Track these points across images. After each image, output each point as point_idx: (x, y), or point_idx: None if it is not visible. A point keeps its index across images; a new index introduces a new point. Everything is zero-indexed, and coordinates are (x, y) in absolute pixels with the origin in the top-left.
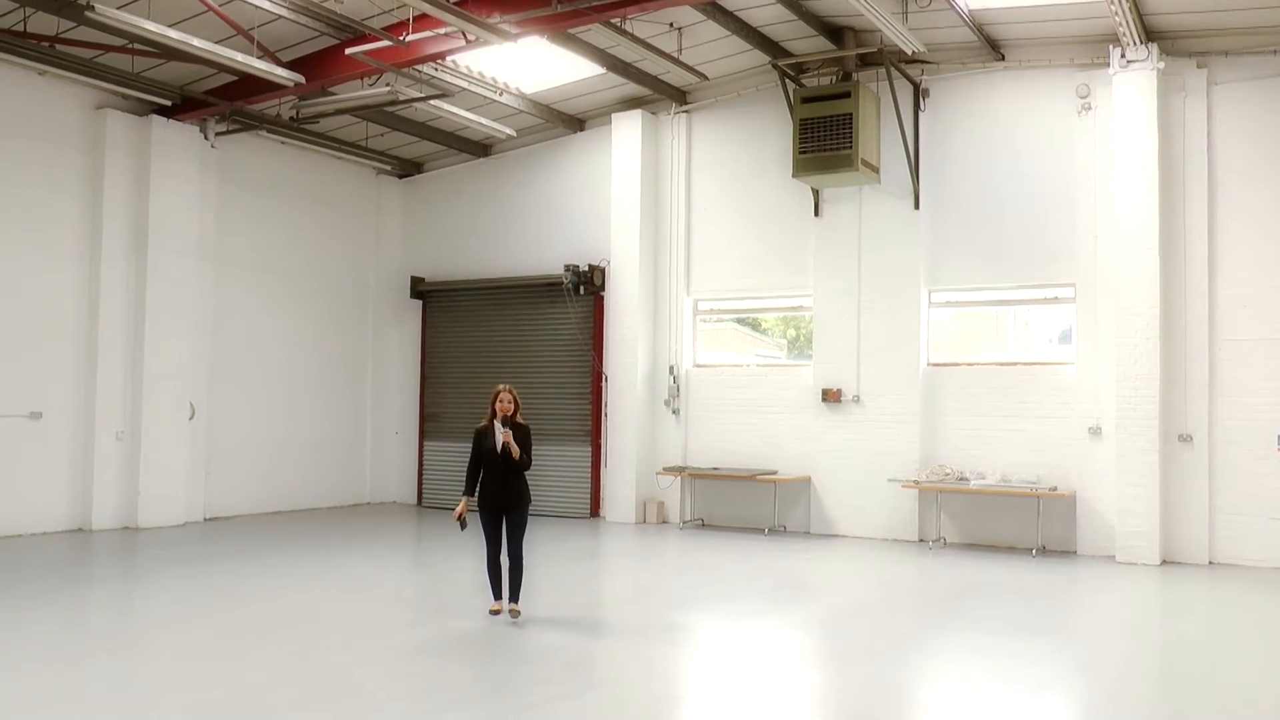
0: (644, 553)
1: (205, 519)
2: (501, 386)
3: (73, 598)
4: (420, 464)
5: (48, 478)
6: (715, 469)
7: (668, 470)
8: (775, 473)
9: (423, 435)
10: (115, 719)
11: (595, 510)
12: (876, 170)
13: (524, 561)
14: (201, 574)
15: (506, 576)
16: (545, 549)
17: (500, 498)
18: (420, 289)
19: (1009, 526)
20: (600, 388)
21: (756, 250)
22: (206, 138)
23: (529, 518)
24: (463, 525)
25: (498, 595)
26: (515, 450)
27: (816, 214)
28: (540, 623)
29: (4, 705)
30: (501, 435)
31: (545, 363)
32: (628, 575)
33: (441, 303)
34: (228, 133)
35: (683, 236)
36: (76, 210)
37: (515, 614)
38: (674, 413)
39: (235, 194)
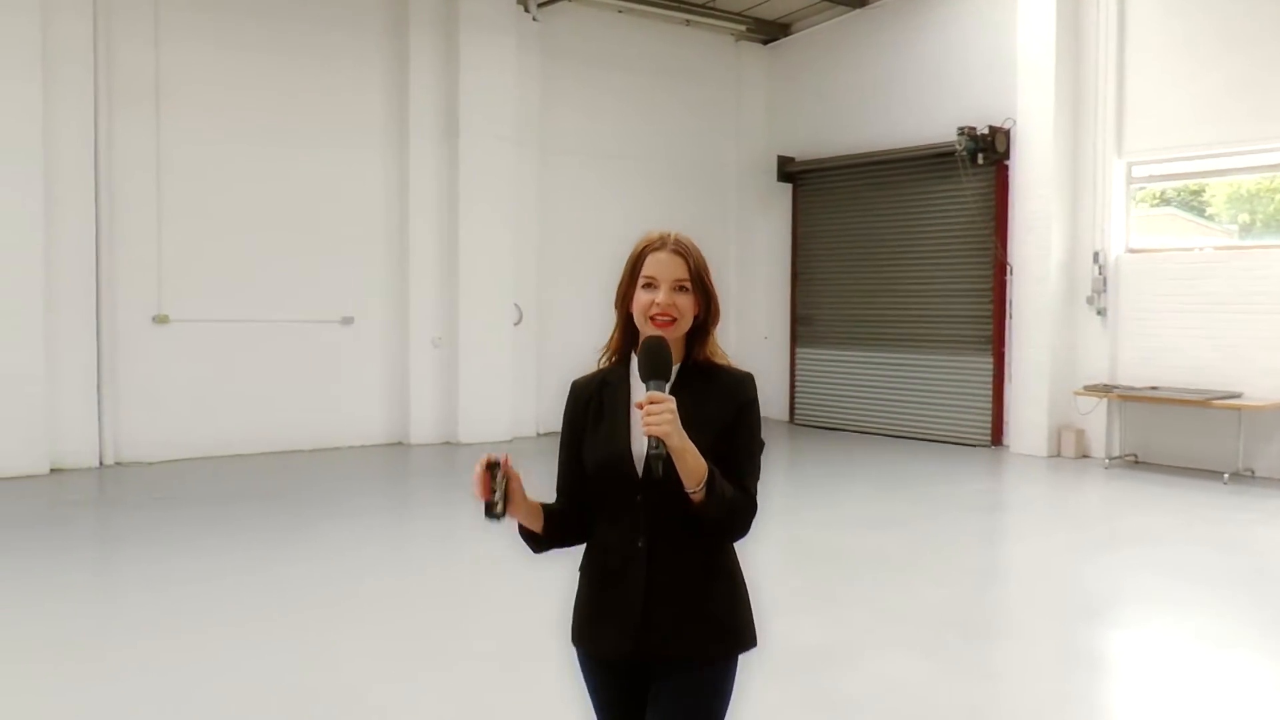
0: (1055, 506)
1: (538, 434)
2: (653, 240)
3: (321, 534)
4: (792, 374)
5: (363, 388)
6: (1153, 389)
7: (1090, 390)
8: (1239, 396)
9: (794, 340)
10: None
11: (997, 438)
12: None
13: None
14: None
15: None
16: (928, 491)
17: (632, 620)
18: (789, 170)
19: None
20: (1003, 281)
21: (1216, 88)
22: (527, 10)
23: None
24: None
25: None
26: (692, 463)
27: None
28: (883, 622)
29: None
30: (646, 413)
31: (933, 252)
32: (1030, 544)
33: (813, 184)
34: (549, 2)
35: (1112, 81)
36: (380, 98)
37: None
38: (1098, 313)
39: (562, 70)
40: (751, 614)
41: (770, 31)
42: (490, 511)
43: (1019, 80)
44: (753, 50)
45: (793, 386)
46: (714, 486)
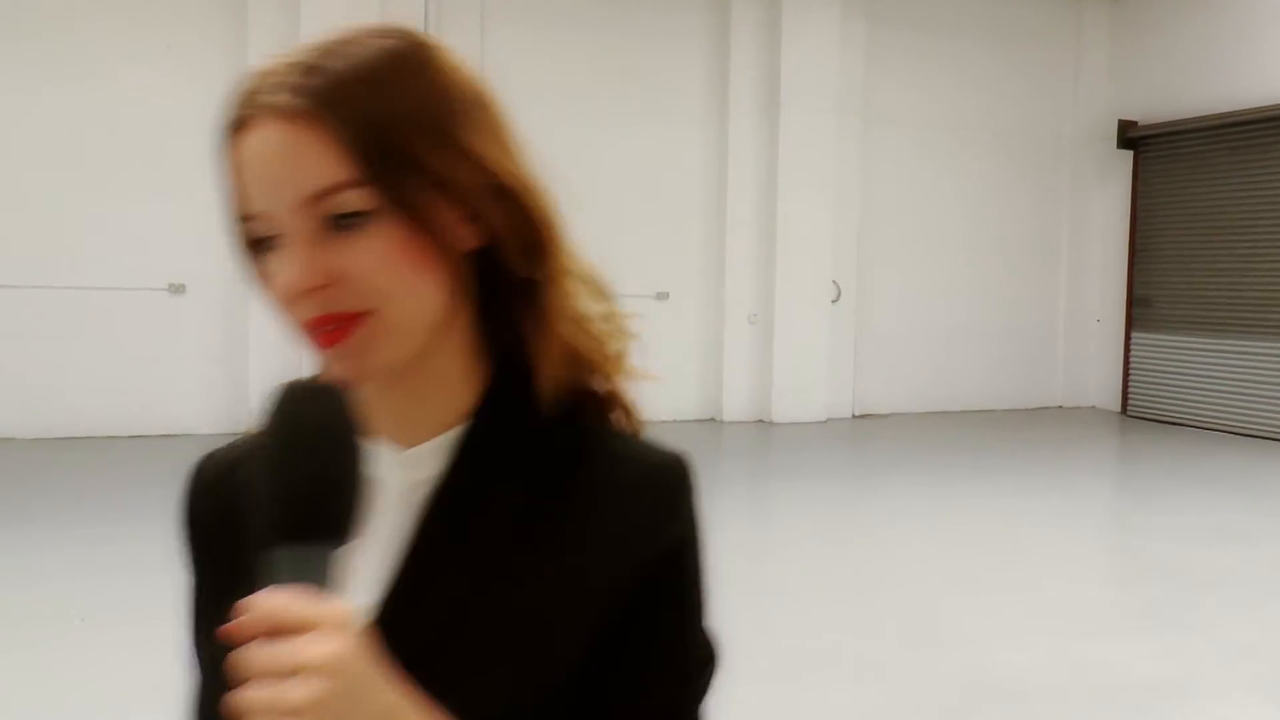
0: None
1: (853, 416)
2: (239, 99)
3: None
4: (1126, 361)
5: (678, 363)
6: None
7: None
8: None
9: (1130, 324)
10: None
11: None
12: None
13: None
14: (804, 494)
15: None
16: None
17: None
18: (1130, 136)
19: None
20: None
21: None
22: None
23: None
24: None
25: None
26: None
27: None
28: (1231, 657)
29: None
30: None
31: None
32: None
33: (1158, 151)
34: None
35: None
36: (701, 73)
37: None
38: None
39: (887, 38)
40: None
41: None
42: None
43: None
44: (1094, 5)
45: (1126, 375)
46: None
